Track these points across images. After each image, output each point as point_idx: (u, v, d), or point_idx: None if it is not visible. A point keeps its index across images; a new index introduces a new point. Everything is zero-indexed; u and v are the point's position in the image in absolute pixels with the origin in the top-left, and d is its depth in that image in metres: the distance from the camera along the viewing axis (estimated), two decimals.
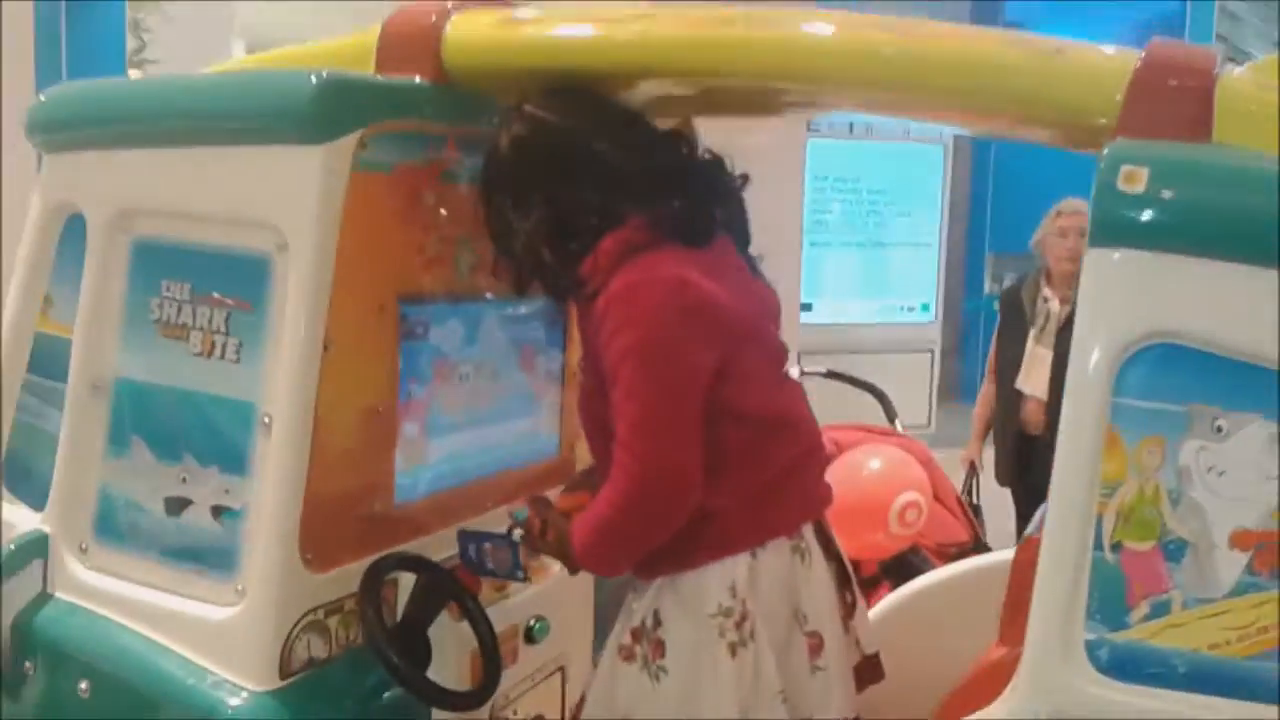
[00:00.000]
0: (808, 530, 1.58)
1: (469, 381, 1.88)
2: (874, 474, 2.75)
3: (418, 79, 1.62)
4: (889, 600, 2.09)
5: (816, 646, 1.55)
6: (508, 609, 1.82)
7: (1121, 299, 1.11)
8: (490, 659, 1.63)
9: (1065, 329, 3.75)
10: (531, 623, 1.85)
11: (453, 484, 1.82)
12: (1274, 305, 1.07)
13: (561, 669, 1.96)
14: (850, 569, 1.69)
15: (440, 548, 1.70)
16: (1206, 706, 1.09)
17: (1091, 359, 1.11)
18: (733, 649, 1.48)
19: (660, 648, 1.54)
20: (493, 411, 1.93)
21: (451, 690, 1.57)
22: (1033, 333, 3.82)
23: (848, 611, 1.67)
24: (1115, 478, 1.12)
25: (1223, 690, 1.09)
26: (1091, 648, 1.12)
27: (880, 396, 3.65)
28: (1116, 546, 1.12)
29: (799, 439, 1.57)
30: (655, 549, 1.53)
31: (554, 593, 1.89)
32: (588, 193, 1.53)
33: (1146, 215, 1.09)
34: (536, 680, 1.90)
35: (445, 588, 1.63)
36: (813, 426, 1.62)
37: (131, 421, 1.60)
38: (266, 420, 1.49)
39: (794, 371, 1.73)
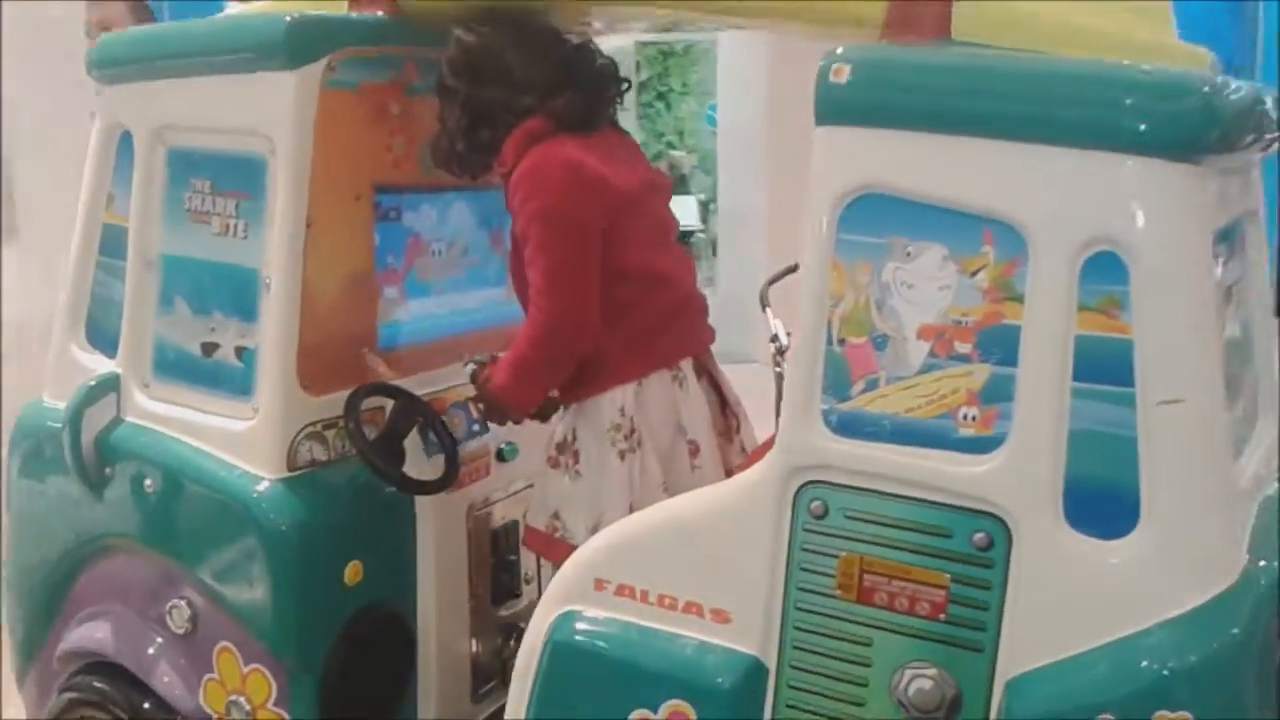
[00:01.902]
0: (686, 364, 2.03)
1: (442, 256, 2.36)
2: None
3: (380, 14, 2.07)
4: None
5: (694, 451, 2.02)
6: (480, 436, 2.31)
7: (837, 162, 1.52)
8: (450, 459, 2.13)
9: None
10: (502, 445, 2.34)
11: (428, 339, 2.32)
12: (944, 161, 1.47)
13: (532, 485, 2.46)
14: (731, 396, 2.15)
15: (416, 386, 2.19)
16: (901, 452, 1.52)
17: (821, 208, 1.53)
18: (622, 455, 1.96)
19: (575, 456, 2.02)
20: (463, 281, 2.41)
21: (417, 479, 2.08)
22: None
23: (731, 427, 2.13)
24: (839, 293, 1.54)
25: (913, 441, 1.51)
26: (825, 414, 1.55)
27: None
28: (841, 342, 1.54)
29: (675, 293, 2.01)
30: (568, 382, 1.99)
31: (522, 427, 2.37)
32: (500, 95, 1.97)
33: (849, 99, 1.50)
34: (510, 492, 2.39)
35: (416, 409, 2.13)
36: (690, 284, 2.06)
37: (174, 287, 2.12)
38: (267, 282, 1.99)
39: None
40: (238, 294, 2.04)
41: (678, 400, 2.00)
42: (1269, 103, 1.61)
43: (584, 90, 2.01)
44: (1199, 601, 1.39)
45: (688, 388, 2.01)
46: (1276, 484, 1.63)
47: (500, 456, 2.35)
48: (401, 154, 2.20)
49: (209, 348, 2.08)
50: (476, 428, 2.22)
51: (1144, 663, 1.38)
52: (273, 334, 1.98)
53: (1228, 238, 1.57)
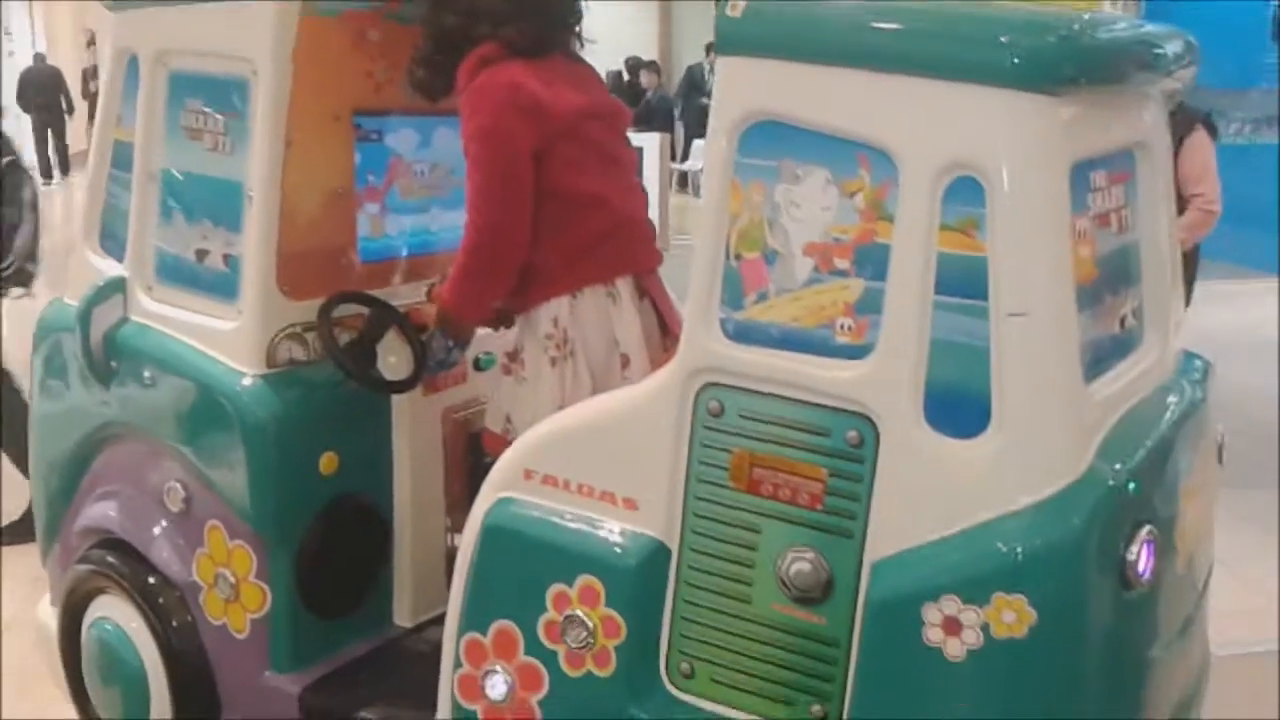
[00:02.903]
0: (624, 283, 2.19)
1: (424, 177, 2.55)
2: None
3: None
4: None
5: (625, 363, 2.20)
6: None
7: (735, 90, 1.66)
8: (418, 361, 2.33)
9: None
10: (480, 355, 2.54)
11: (409, 254, 2.52)
12: (827, 91, 1.61)
13: None
14: (676, 320, 2.31)
15: (394, 298, 2.39)
16: (787, 358, 1.66)
17: (721, 132, 1.67)
18: (554, 362, 2.15)
19: (521, 363, 2.21)
20: (446, 201, 2.59)
21: (383, 379, 2.29)
22: None
23: (667, 349, 2.29)
24: (736, 212, 1.69)
25: (797, 348, 1.66)
26: (723, 323, 1.71)
27: None
28: (737, 257, 1.69)
29: (609, 215, 2.17)
30: (515, 295, 2.17)
31: (498, 338, 2.56)
32: (459, 23, 2.13)
33: (743, 32, 1.63)
34: (485, 399, 2.59)
35: (387, 317, 2.33)
36: (630, 207, 2.22)
37: (172, 198, 2.34)
38: (250, 195, 2.20)
39: None
40: (225, 205, 2.25)
41: (611, 316, 2.17)
42: (1163, 41, 1.71)
43: (538, 18, 2.16)
44: (1040, 497, 1.53)
45: (622, 305, 2.18)
46: (1154, 391, 1.75)
47: (477, 366, 2.55)
48: (384, 79, 2.38)
49: (201, 254, 2.30)
50: (451, 344, 2.40)
51: (986, 549, 1.54)
52: (254, 242, 2.19)
53: (1107, 165, 1.69)
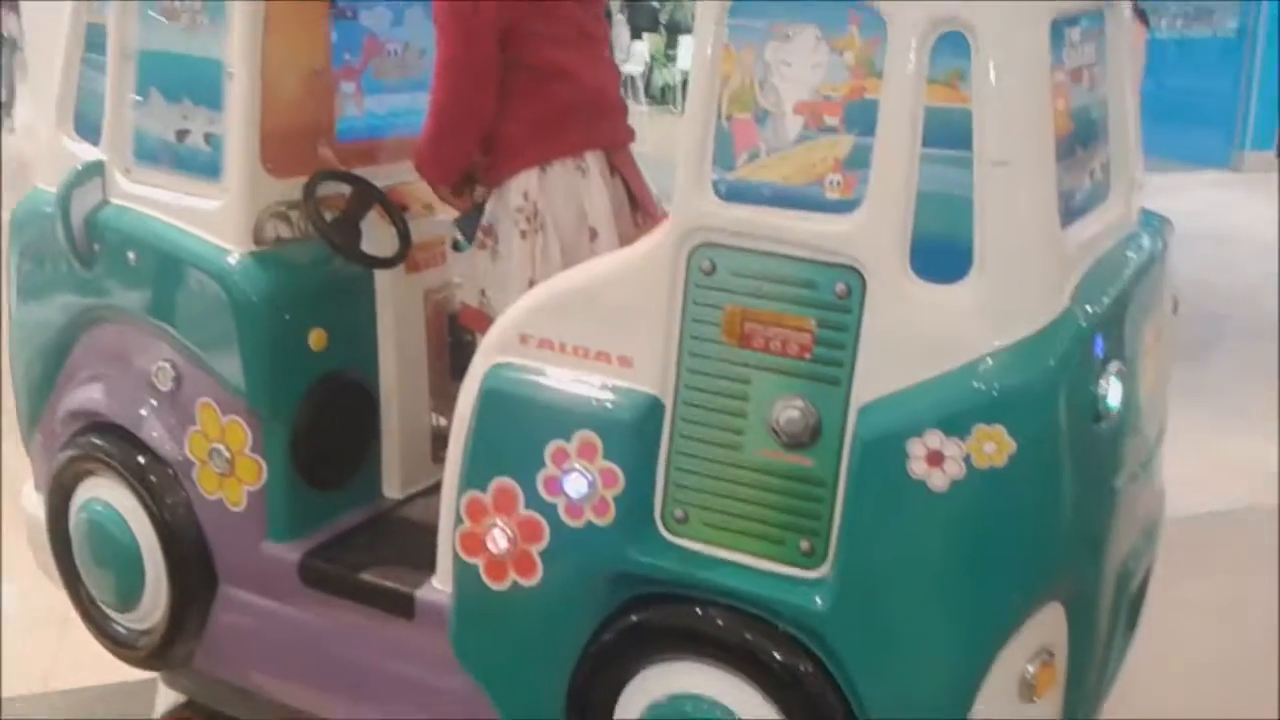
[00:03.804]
0: (593, 157, 2.25)
1: (398, 56, 2.56)
2: None
3: None
4: None
5: (594, 236, 2.26)
6: (434, 223, 2.55)
7: None
8: (402, 237, 2.37)
9: None
10: (457, 237, 2.58)
11: (387, 134, 2.54)
12: None
13: None
14: (645, 198, 2.37)
15: (374, 178, 2.42)
16: (778, 214, 1.74)
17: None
18: (524, 234, 2.21)
19: (495, 237, 2.28)
20: (421, 82, 2.61)
21: (371, 254, 2.33)
22: None
23: (637, 225, 2.36)
24: (728, 73, 1.75)
25: (788, 205, 1.73)
26: (715, 184, 1.78)
27: None
28: (729, 118, 1.76)
29: (578, 88, 2.22)
30: (487, 168, 2.22)
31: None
32: None
33: None
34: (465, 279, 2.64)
35: (370, 195, 2.37)
36: (599, 82, 2.26)
37: (149, 79, 2.34)
38: (230, 72, 2.20)
39: None
40: (205, 84, 2.25)
41: (580, 189, 2.23)
42: None
43: None
44: (1019, 336, 1.64)
45: (591, 179, 2.24)
46: (1121, 240, 1.85)
47: (455, 247, 2.59)
48: None
49: (181, 134, 2.31)
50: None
51: (968, 386, 1.64)
52: (237, 120, 2.21)
53: (1080, 23, 1.77)
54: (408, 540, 2.36)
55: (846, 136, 1.70)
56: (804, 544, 1.81)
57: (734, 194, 1.78)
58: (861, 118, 1.68)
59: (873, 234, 1.69)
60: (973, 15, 1.59)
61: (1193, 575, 3.41)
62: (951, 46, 1.61)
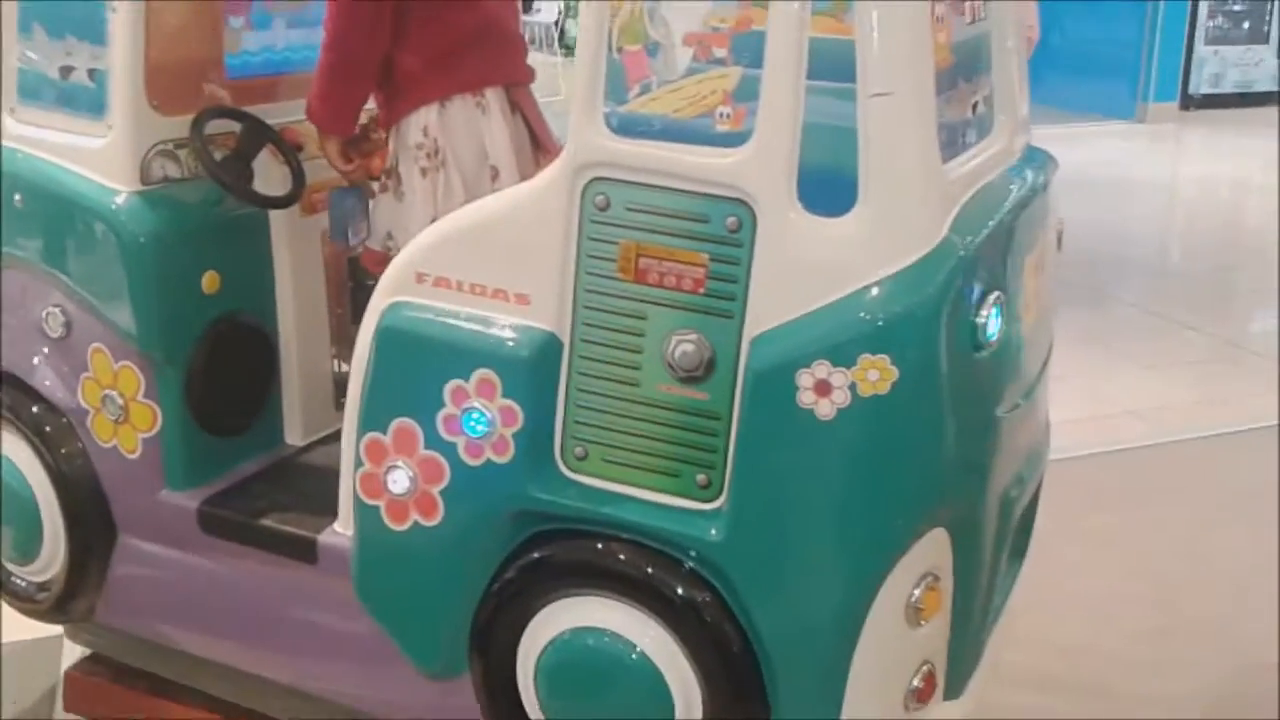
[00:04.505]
0: (494, 94, 2.24)
1: None
2: None
3: None
4: None
5: (495, 175, 2.26)
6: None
7: None
8: (295, 177, 2.34)
9: None
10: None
11: (279, 72, 2.50)
12: None
13: None
14: (546, 137, 2.37)
15: (268, 116, 2.38)
16: (670, 148, 1.75)
17: None
18: (424, 172, 2.20)
19: (397, 178, 2.26)
20: (315, 17, 2.56)
21: (263, 194, 2.30)
22: None
23: (538, 164, 2.35)
24: (617, 5, 1.74)
25: (679, 139, 1.75)
26: (607, 117, 1.78)
27: None
28: (620, 50, 1.76)
29: (478, 18, 2.21)
30: (384, 107, 2.20)
31: None
32: None
33: None
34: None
35: (262, 133, 2.33)
36: (499, 15, 2.25)
37: (30, 15, 2.27)
38: (113, 6, 2.15)
39: None
40: (87, 19, 2.19)
41: (481, 126, 2.22)
42: None
43: None
44: (900, 266, 1.68)
45: (491, 116, 2.24)
46: (1001, 175, 1.90)
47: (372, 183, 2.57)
48: None
49: (65, 71, 2.25)
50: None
51: (852, 316, 1.69)
52: (120, 54, 2.15)
53: None
54: (310, 486, 2.35)
55: (735, 68, 1.71)
56: (701, 477, 1.84)
57: (626, 127, 1.78)
58: (749, 49, 1.70)
59: (761, 167, 1.71)
60: None
61: (1088, 510, 3.55)
62: None
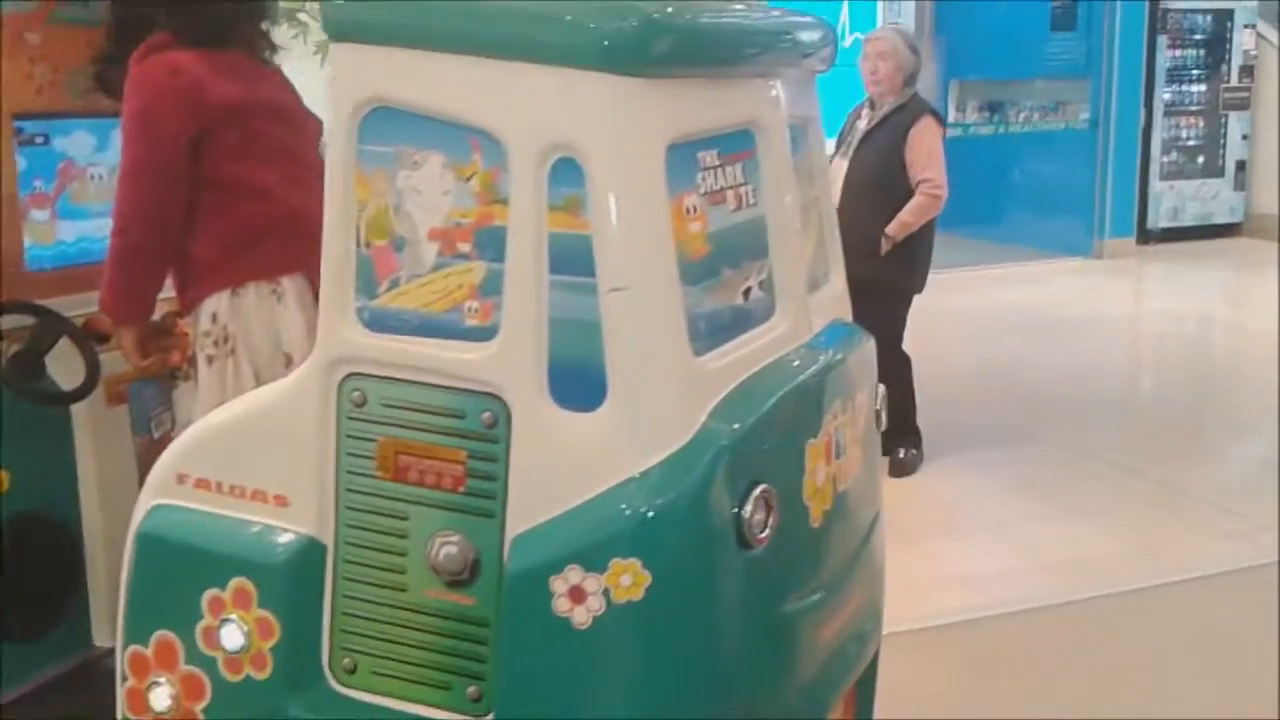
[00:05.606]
0: (290, 282, 2.23)
1: (101, 181, 2.52)
2: None
3: None
4: None
5: (289, 364, 2.23)
6: None
7: (349, 77, 1.71)
8: (90, 370, 2.31)
9: (863, 142, 4.35)
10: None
11: (85, 261, 2.49)
12: (436, 77, 1.67)
13: None
14: None
15: (66, 308, 2.36)
16: (422, 343, 1.72)
17: (340, 120, 1.72)
18: (210, 360, 2.17)
19: (194, 363, 2.23)
20: None
21: (50, 391, 2.26)
22: (841, 148, 4.41)
23: None
24: (363, 199, 1.74)
25: (431, 333, 1.71)
26: (359, 312, 1.75)
27: None
28: (368, 244, 1.75)
29: (273, 206, 2.20)
30: (180, 293, 2.18)
31: None
32: (134, 14, 2.15)
33: (351, 19, 1.69)
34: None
35: (57, 326, 2.30)
36: (297, 202, 2.25)
37: None
38: None
39: None
40: None
41: (276, 314, 2.20)
42: (776, 26, 1.84)
43: (211, 8, 2.18)
44: (650, 464, 1.63)
45: (287, 304, 2.21)
46: (782, 358, 1.86)
47: (173, 376, 2.53)
48: (45, 81, 2.35)
49: None
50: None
51: (601, 517, 1.62)
52: None
53: (720, 145, 1.80)
54: (110, 693, 2.24)
55: (480, 263, 1.69)
56: (472, 689, 1.75)
57: (378, 322, 1.75)
58: (492, 244, 1.68)
59: (511, 361, 1.67)
60: (584, 141, 1.60)
61: (1004, 673, 3.41)
62: (568, 172, 1.62)
